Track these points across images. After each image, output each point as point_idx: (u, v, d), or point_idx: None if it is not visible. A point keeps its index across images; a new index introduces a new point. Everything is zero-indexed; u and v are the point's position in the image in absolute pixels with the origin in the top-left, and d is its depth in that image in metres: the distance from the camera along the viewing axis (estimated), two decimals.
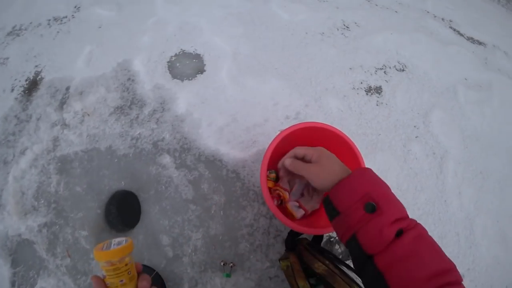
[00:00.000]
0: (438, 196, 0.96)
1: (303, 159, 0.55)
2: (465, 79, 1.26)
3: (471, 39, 1.48)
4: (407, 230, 0.38)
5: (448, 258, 0.38)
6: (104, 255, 0.40)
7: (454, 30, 1.50)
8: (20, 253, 0.88)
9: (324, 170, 0.48)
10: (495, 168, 1.06)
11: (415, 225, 0.40)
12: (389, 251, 0.37)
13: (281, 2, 1.28)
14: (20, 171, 0.97)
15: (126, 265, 0.41)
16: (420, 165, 1.00)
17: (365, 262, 0.39)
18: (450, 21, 1.57)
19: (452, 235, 0.92)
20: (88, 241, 0.87)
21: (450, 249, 0.89)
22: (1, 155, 0.99)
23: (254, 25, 1.16)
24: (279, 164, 0.64)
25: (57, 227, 0.89)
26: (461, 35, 1.49)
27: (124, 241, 0.42)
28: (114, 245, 0.42)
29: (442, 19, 1.55)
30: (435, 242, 0.39)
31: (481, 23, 1.62)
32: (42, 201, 0.92)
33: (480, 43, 1.48)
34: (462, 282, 0.37)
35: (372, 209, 0.39)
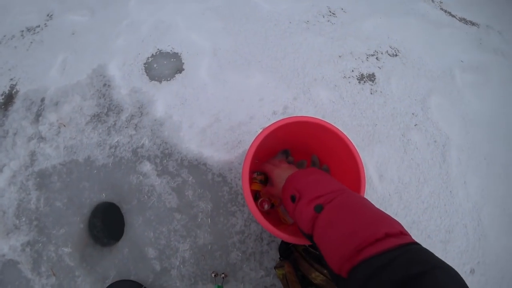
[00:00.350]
0: (442, 187, 0.89)
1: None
2: (461, 61, 1.19)
3: (463, 20, 1.41)
4: (326, 204, 0.42)
5: (370, 217, 0.37)
6: None
7: (445, 11, 1.42)
8: (6, 274, 0.83)
9: (276, 188, 0.57)
10: (499, 153, 0.99)
11: (335, 196, 0.43)
12: (315, 226, 0.41)
13: None
14: None
15: None
16: (421, 155, 0.93)
17: (312, 242, 0.43)
18: (441, 2, 1.49)
19: (460, 228, 0.85)
20: (72, 258, 0.82)
21: (458, 243, 0.83)
22: None
23: (233, 18, 1.08)
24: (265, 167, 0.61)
25: (40, 245, 0.83)
26: (453, 16, 1.41)
27: None
28: None
29: (432, 0, 1.48)
30: (357, 206, 0.40)
31: (472, 3, 1.54)
32: (24, 219, 0.86)
33: (473, 23, 1.41)
34: (391, 236, 0.33)
35: (293, 199, 0.47)
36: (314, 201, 0.43)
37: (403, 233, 0.34)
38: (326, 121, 0.62)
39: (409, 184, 0.87)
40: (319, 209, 0.42)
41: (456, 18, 1.40)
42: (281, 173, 0.58)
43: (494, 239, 0.85)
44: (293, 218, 0.48)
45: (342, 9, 1.27)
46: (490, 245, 0.85)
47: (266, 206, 0.68)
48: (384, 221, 0.35)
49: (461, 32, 1.32)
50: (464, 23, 1.39)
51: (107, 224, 0.90)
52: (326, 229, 0.39)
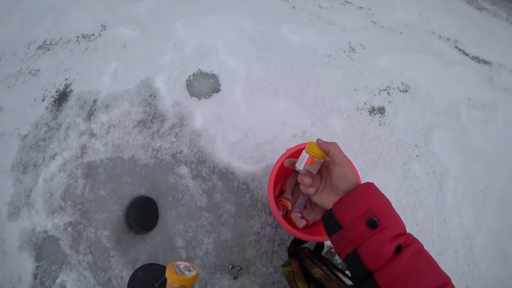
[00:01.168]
0: (437, 213, 1.04)
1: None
2: (469, 98, 1.34)
3: (476, 59, 1.55)
4: (406, 246, 0.41)
5: (444, 273, 0.41)
6: (180, 279, 0.53)
7: (459, 50, 1.58)
8: (45, 248, 1.01)
9: (346, 177, 0.48)
10: (497, 187, 1.12)
11: (412, 240, 0.43)
12: (389, 267, 0.40)
13: (291, 26, 1.43)
14: (50, 174, 1.11)
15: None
16: (420, 183, 1.09)
17: (365, 278, 0.42)
18: (456, 40, 1.64)
19: (451, 252, 0.99)
20: (109, 240, 1.01)
21: (448, 266, 0.96)
22: (31, 159, 1.14)
23: (266, 48, 1.31)
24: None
25: (81, 226, 1.02)
26: (466, 54, 1.56)
27: (193, 270, 0.56)
28: (186, 271, 0.55)
29: (447, 39, 1.63)
30: (431, 257, 0.42)
31: (486, 42, 1.68)
32: (69, 202, 1.06)
33: (485, 62, 1.55)
34: None
35: (374, 224, 0.42)
36: (397, 239, 0.41)
37: None
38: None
39: (405, 207, 1.03)
40: (398, 249, 0.41)
41: (469, 57, 1.55)
42: (348, 169, 0.49)
43: (484, 267, 0.98)
44: (356, 241, 0.43)
45: (361, 45, 1.47)
46: (481, 272, 0.97)
47: (281, 212, 0.88)
48: (449, 279, 0.41)
49: (472, 70, 1.46)
50: (476, 61, 1.53)
51: (140, 216, 1.09)
52: (404, 277, 0.39)
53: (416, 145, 1.16)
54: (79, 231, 1.02)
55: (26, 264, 0.99)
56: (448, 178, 1.10)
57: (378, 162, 1.11)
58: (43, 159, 1.13)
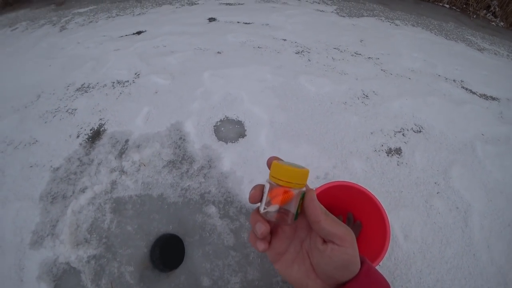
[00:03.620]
0: (465, 250, 1.05)
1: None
2: (482, 134, 1.47)
3: (483, 96, 1.73)
4: None
5: None
6: None
7: (466, 89, 1.77)
8: (65, 280, 1.07)
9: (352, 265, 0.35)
10: None
11: None
12: None
13: (308, 77, 1.67)
14: (79, 206, 1.23)
15: None
16: (443, 219, 1.13)
17: None
18: (462, 81, 1.84)
19: None
20: (133, 276, 1.08)
21: None
22: (61, 190, 1.27)
23: (286, 97, 1.52)
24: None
25: (105, 260, 1.10)
26: (474, 93, 1.74)
27: None
28: None
29: (454, 80, 1.85)
30: None
31: (492, 80, 1.89)
32: (95, 235, 1.16)
33: (493, 98, 1.73)
34: None
35: None
36: None
37: None
38: (361, 185, 0.93)
39: (432, 245, 1.06)
40: None
41: (476, 95, 1.72)
42: (354, 250, 0.34)
43: None
44: None
45: (373, 91, 1.68)
46: None
47: None
48: None
49: (481, 107, 1.61)
50: (484, 98, 1.70)
51: (165, 254, 1.19)
52: None
53: (435, 182, 1.25)
54: (102, 265, 1.10)
55: None
56: (472, 213, 1.15)
57: (400, 201, 1.19)
58: (73, 192, 1.27)
